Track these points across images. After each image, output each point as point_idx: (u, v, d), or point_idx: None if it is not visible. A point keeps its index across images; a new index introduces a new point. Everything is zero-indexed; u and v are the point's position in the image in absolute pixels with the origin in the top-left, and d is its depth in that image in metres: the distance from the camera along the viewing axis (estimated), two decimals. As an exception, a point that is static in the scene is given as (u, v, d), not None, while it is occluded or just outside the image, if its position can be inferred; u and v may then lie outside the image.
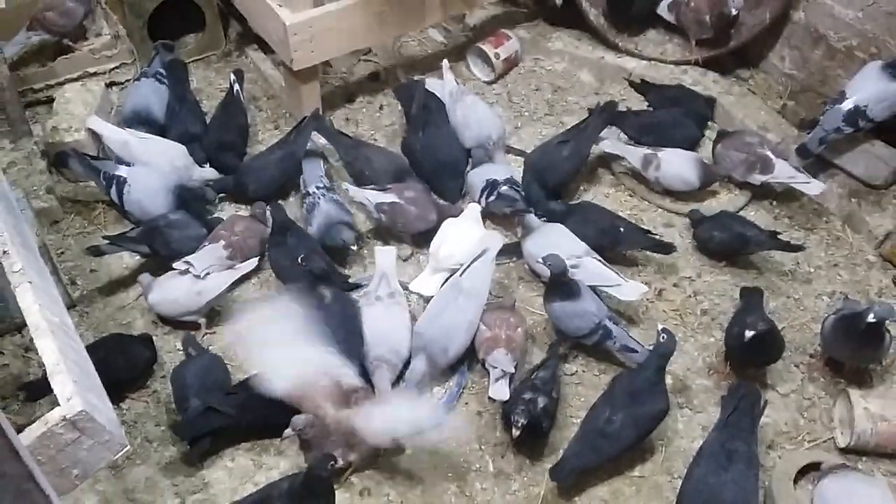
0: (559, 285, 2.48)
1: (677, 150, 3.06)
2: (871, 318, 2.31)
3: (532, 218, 2.79)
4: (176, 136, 3.10)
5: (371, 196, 2.83)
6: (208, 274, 2.61)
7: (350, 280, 2.76)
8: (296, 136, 3.06)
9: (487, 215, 2.95)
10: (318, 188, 2.89)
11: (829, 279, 2.87)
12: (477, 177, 2.97)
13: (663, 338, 2.26)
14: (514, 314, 2.55)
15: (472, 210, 2.86)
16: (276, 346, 2.22)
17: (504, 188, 2.86)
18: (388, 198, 2.82)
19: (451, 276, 2.59)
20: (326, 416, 2.18)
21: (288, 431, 2.18)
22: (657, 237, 2.83)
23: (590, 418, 2.28)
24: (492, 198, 2.87)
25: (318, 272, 2.65)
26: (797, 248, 2.81)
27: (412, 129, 3.13)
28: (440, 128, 3.10)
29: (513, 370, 2.38)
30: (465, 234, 2.74)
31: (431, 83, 3.28)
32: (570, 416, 2.45)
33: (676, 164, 3.01)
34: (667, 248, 2.79)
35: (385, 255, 2.69)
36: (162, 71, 3.25)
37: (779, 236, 2.80)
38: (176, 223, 2.78)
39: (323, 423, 2.18)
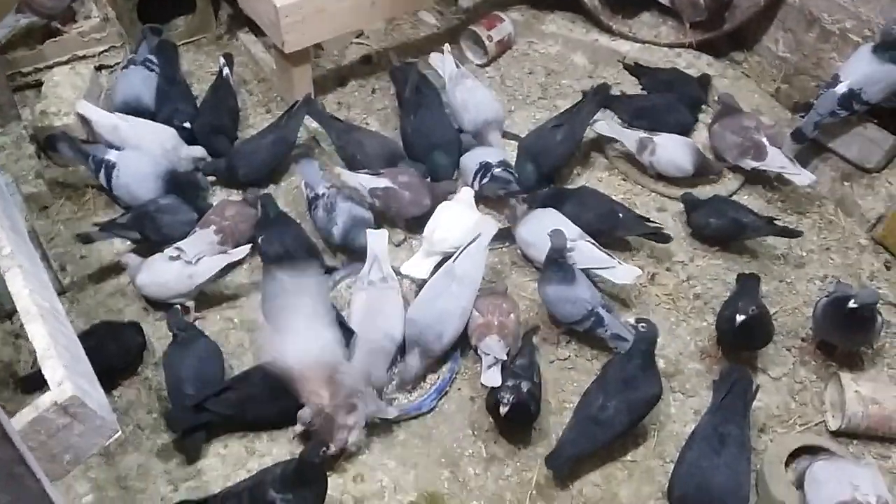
0: (555, 267, 2.47)
1: (673, 136, 3.05)
2: (852, 305, 2.31)
3: (519, 207, 2.78)
4: (165, 118, 3.07)
5: (365, 181, 2.80)
6: (200, 259, 2.59)
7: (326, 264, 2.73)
8: (287, 120, 3.04)
9: (481, 199, 2.94)
10: (328, 188, 2.83)
11: (822, 263, 2.87)
12: (470, 160, 2.96)
13: (643, 327, 2.26)
14: (507, 300, 2.55)
15: (466, 194, 2.84)
16: (302, 318, 2.22)
17: (498, 170, 2.86)
18: (382, 182, 2.80)
19: (443, 259, 2.58)
20: (324, 402, 2.19)
21: (298, 427, 2.24)
22: (656, 225, 2.80)
23: (583, 405, 2.28)
24: (485, 179, 2.87)
25: (272, 255, 2.62)
26: (794, 234, 2.81)
27: (404, 113, 3.12)
28: (432, 111, 3.08)
29: (505, 357, 2.36)
30: (459, 219, 2.72)
31: (434, 57, 3.26)
32: (563, 401, 2.45)
33: (671, 150, 3.00)
34: (664, 238, 2.77)
35: (377, 239, 2.63)
36: (151, 58, 3.22)
37: (774, 221, 2.80)
38: (166, 208, 2.77)
39: (324, 411, 2.19)
